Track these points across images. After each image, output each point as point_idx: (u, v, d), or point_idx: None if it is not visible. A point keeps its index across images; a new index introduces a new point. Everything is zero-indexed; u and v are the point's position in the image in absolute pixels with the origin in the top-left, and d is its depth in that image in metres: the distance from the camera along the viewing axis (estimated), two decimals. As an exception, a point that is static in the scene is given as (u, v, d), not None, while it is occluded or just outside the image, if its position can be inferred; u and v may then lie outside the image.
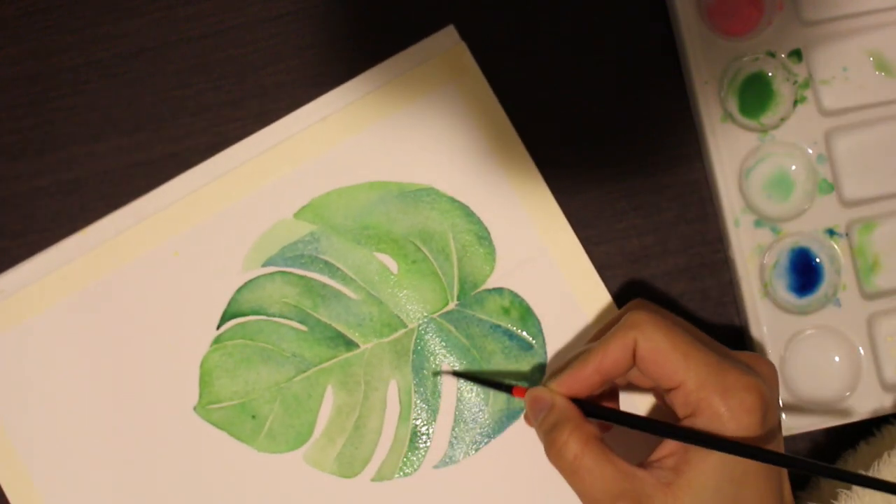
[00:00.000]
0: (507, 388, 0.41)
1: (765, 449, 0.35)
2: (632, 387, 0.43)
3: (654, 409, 0.45)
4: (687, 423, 0.36)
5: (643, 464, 0.37)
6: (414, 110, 0.45)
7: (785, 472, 0.38)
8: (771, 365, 0.39)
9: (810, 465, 0.36)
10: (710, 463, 0.35)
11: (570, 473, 0.36)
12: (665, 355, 0.36)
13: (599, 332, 0.41)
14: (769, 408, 0.36)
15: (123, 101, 0.45)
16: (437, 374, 0.45)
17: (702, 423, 0.36)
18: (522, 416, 0.41)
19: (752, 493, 0.36)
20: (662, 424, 0.37)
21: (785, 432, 0.44)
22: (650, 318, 0.37)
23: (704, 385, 0.36)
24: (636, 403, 0.45)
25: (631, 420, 0.38)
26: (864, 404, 0.44)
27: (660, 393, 0.41)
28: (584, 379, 0.38)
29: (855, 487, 0.40)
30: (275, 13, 0.46)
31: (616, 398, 0.41)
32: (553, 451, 0.37)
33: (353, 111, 0.45)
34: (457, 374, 0.44)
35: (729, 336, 0.46)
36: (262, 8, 0.46)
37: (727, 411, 0.35)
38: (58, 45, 0.45)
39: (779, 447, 0.38)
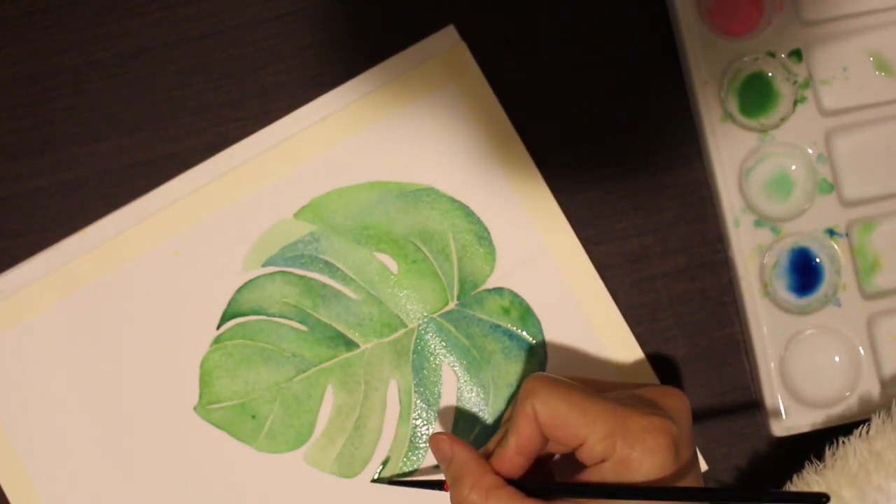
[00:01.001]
0: (440, 486, 0.40)
1: (671, 487, 0.35)
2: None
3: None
4: (596, 469, 0.36)
5: None
6: (414, 110, 0.45)
7: None
8: (680, 396, 0.39)
9: (714, 492, 0.36)
10: None
11: None
12: (564, 416, 0.36)
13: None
14: (679, 443, 0.36)
15: (123, 101, 0.45)
16: (374, 481, 0.44)
17: (610, 469, 0.36)
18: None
19: None
20: (579, 485, 0.37)
21: (785, 432, 0.44)
22: (543, 383, 0.37)
23: (606, 435, 0.36)
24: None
25: (556, 488, 0.38)
26: (864, 404, 0.44)
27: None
28: (510, 461, 0.37)
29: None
30: (275, 13, 0.46)
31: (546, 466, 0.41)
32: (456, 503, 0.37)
33: (353, 111, 0.45)
34: (389, 483, 0.44)
35: (729, 336, 0.46)
36: (262, 8, 0.46)
37: (633, 454, 0.35)
38: (58, 45, 0.45)
39: (693, 477, 0.37)
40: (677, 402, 0.38)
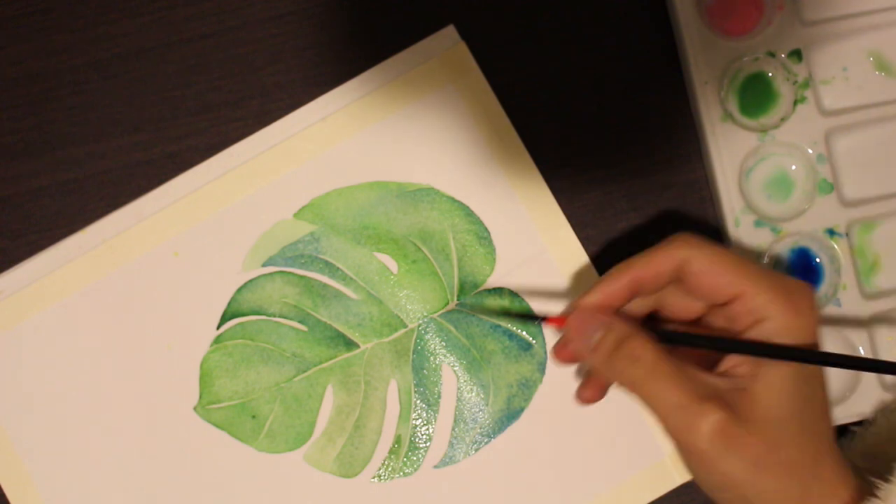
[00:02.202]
0: (540, 319, 0.39)
1: (835, 353, 0.36)
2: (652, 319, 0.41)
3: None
4: (754, 331, 0.36)
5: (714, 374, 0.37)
6: (414, 110, 0.45)
7: None
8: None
9: (873, 362, 0.37)
10: (784, 368, 0.35)
11: (649, 386, 0.35)
12: (723, 267, 0.36)
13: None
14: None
15: (123, 101, 0.45)
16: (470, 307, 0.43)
17: (771, 327, 0.36)
18: (552, 352, 0.39)
19: (821, 391, 0.36)
20: (732, 341, 0.36)
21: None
22: (695, 239, 0.37)
23: (768, 288, 0.36)
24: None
25: (695, 339, 0.37)
26: (864, 404, 0.44)
27: (701, 322, 0.40)
28: (617, 290, 0.37)
29: None
30: (275, 13, 0.46)
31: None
32: (626, 367, 0.36)
33: (353, 111, 0.45)
34: (481, 312, 0.42)
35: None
36: (262, 8, 0.46)
37: (793, 311, 0.35)
38: (58, 45, 0.45)
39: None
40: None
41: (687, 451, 0.36)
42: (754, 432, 0.34)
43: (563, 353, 0.39)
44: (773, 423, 0.35)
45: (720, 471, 0.34)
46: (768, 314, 0.36)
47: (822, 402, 0.36)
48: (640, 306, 0.40)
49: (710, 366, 0.37)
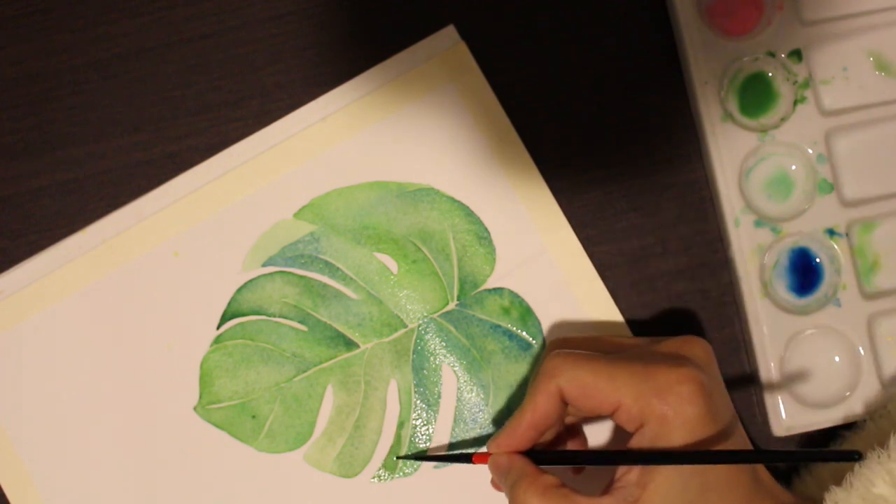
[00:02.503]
0: (468, 458, 0.41)
1: (716, 451, 0.35)
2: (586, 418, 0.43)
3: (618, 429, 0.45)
4: (637, 435, 0.37)
5: (608, 487, 0.37)
6: (414, 110, 0.45)
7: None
8: (702, 344, 0.39)
9: (763, 454, 0.37)
10: (672, 471, 0.35)
11: None
12: (592, 387, 0.37)
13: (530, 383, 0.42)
14: (711, 391, 0.36)
15: (123, 101, 0.45)
16: (398, 458, 0.45)
17: (650, 430, 0.36)
18: (490, 483, 0.42)
19: (721, 483, 0.36)
20: (612, 454, 0.37)
21: (785, 432, 0.44)
22: (565, 360, 0.38)
23: (639, 395, 0.36)
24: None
25: (581, 457, 0.39)
26: (864, 404, 0.44)
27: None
28: (521, 436, 0.38)
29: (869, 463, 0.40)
30: (275, 13, 0.46)
31: (580, 434, 0.42)
32: None
33: (353, 111, 0.45)
34: (415, 458, 0.44)
35: (729, 336, 0.46)
36: (262, 8, 0.46)
37: (669, 410, 0.36)
38: (58, 45, 0.45)
39: (738, 435, 0.38)
40: (700, 350, 0.39)
41: None
42: None
43: (495, 487, 0.42)
44: None
45: None
46: (645, 419, 0.36)
47: (724, 482, 0.36)
48: (551, 432, 0.41)
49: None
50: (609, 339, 0.41)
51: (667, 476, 0.35)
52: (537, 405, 0.38)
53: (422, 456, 0.44)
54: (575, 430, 0.42)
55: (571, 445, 0.42)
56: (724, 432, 0.36)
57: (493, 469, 0.40)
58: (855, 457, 0.33)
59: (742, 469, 0.36)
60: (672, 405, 0.36)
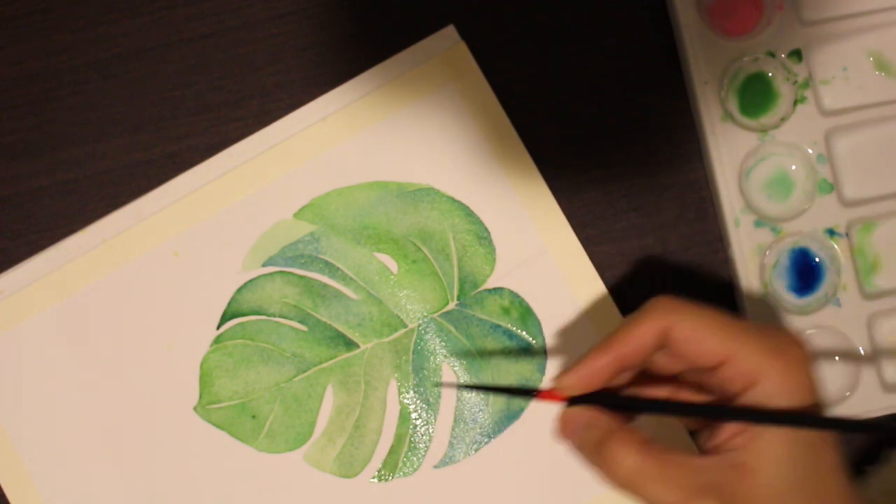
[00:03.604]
0: (530, 394, 0.37)
1: (834, 417, 0.34)
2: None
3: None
4: (746, 397, 0.34)
5: (707, 451, 0.35)
6: (414, 110, 0.45)
7: None
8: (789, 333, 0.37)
9: (875, 422, 0.35)
10: (781, 432, 0.33)
11: (637, 487, 0.33)
12: (708, 332, 0.34)
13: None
14: (813, 363, 0.35)
15: (123, 101, 0.45)
16: (438, 385, 0.44)
17: (763, 391, 0.33)
18: (556, 431, 0.37)
19: (829, 468, 0.34)
20: (723, 408, 0.34)
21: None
22: (675, 303, 0.35)
23: (757, 351, 0.34)
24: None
25: (681, 408, 0.36)
26: (864, 404, 0.44)
27: (691, 379, 0.38)
28: (600, 371, 0.35)
29: None
30: (275, 13, 0.46)
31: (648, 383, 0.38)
32: (609, 470, 0.34)
33: (353, 111, 0.45)
34: (473, 387, 0.43)
35: (729, 336, 0.46)
36: (262, 8, 0.46)
37: (786, 370, 0.33)
38: (58, 45, 0.45)
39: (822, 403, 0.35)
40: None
41: None
42: None
43: (563, 433, 0.37)
44: (775, 500, 0.32)
45: None
46: (759, 377, 0.34)
47: (830, 466, 0.33)
48: (624, 376, 0.38)
49: (706, 430, 0.36)
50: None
51: (779, 445, 0.33)
52: (632, 338, 0.35)
53: (479, 386, 0.42)
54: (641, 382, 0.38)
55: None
56: (823, 404, 0.34)
57: (566, 424, 0.36)
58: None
59: (843, 457, 0.34)
60: (790, 366, 0.33)
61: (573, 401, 0.36)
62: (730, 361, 0.34)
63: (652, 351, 0.35)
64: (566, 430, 0.36)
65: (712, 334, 0.34)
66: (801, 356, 0.34)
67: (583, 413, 0.36)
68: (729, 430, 0.34)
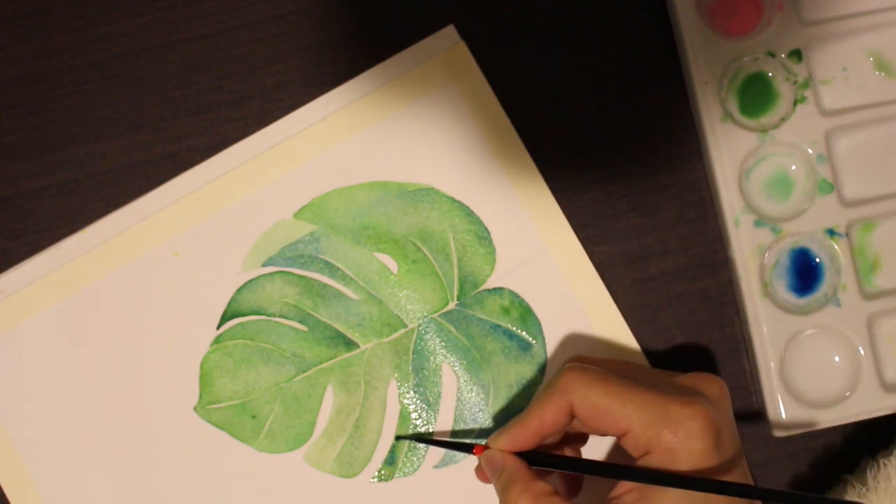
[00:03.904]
0: (469, 448, 0.41)
1: (719, 480, 0.35)
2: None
3: (614, 445, 0.45)
4: (642, 462, 0.37)
5: (604, 503, 0.37)
6: (414, 110, 0.45)
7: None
8: (719, 382, 0.39)
9: (766, 492, 0.36)
10: (671, 496, 0.36)
11: None
12: (603, 409, 0.37)
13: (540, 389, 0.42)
14: (721, 429, 0.36)
15: (123, 101, 0.45)
16: (398, 438, 0.45)
17: (656, 459, 0.36)
18: (474, 472, 0.42)
19: None
20: (613, 467, 0.37)
21: (784, 432, 0.44)
22: (580, 377, 0.38)
23: (650, 425, 0.36)
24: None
25: (581, 465, 0.39)
26: (864, 404, 0.44)
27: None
28: (524, 439, 0.39)
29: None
30: (275, 13, 0.46)
31: (583, 440, 0.42)
32: None
33: (353, 111, 0.45)
34: (416, 439, 0.44)
35: (729, 336, 0.46)
36: (262, 8, 0.46)
37: (677, 443, 0.36)
38: (58, 45, 0.45)
39: (741, 469, 0.38)
40: (716, 389, 0.39)
41: None
42: None
43: (480, 478, 0.42)
44: None
45: None
46: (651, 449, 0.36)
47: None
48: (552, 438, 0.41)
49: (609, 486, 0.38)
50: (626, 364, 0.42)
51: (665, 501, 0.35)
52: (545, 415, 0.38)
53: (422, 438, 0.44)
54: (573, 438, 0.42)
55: (568, 453, 0.42)
56: (728, 466, 0.36)
57: (486, 463, 0.40)
58: None
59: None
60: (680, 439, 0.36)
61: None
62: (627, 434, 0.37)
63: (564, 424, 0.39)
64: (487, 468, 0.39)
65: (608, 411, 0.37)
66: (697, 428, 0.36)
67: (499, 457, 0.39)
68: (625, 487, 0.37)
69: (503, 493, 0.38)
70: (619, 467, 0.37)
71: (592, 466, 0.38)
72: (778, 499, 0.36)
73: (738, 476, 0.37)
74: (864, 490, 0.41)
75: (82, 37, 0.45)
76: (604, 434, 0.38)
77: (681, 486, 0.35)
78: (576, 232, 0.45)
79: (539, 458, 0.39)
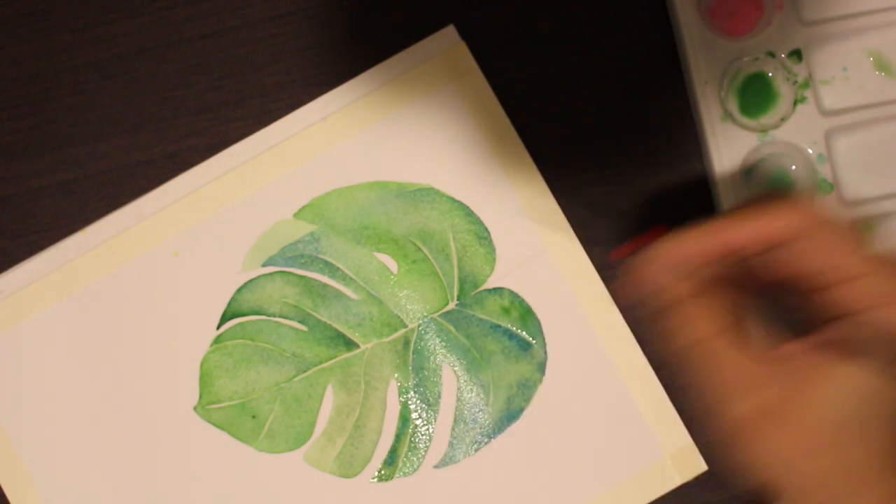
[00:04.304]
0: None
1: None
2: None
3: None
4: (857, 317, 0.31)
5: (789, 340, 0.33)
6: (414, 110, 0.45)
7: None
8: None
9: None
10: (856, 366, 0.31)
11: (704, 359, 0.32)
12: (839, 254, 0.31)
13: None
14: None
15: (123, 101, 0.45)
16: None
17: (886, 315, 0.30)
18: (612, 252, 0.36)
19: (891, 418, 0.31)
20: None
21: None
22: (815, 211, 0.32)
23: (887, 279, 0.31)
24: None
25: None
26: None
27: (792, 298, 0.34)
28: (707, 249, 0.33)
29: None
30: (275, 13, 0.46)
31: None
32: (680, 333, 0.33)
33: (353, 111, 0.45)
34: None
35: (729, 336, 0.46)
36: (262, 8, 0.46)
37: None
38: (58, 45, 0.45)
39: None
40: None
41: (721, 430, 0.32)
42: (802, 427, 0.31)
43: (627, 286, 0.35)
44: (828, 426, 0.31)
45: (752, 453, 0.31)
46: (886, 302, 0.31)
47: (891, 416, 0.31)
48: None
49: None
50: None
51: (853, 377, 0.31)
52: (758, 227, 0.32)
53: None
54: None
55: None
56: None
57: (656, 272, 0.33)
58: None
59: None
60: None
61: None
62: (855, 281, 0.31)
63: (771, 247, 0.32)
64: (662, 269, 0.33)
65: (841, 257, 0.31)
66: None
67: (679, 263, 0.33)
68: (799, 345, 0.32)
69: (671, 310, 0.32)
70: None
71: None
72: None
73: None
74: None
75: (82, 37, 0.45)
76: (805, 280, 0.32)
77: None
78: (576, 232, 0.45)
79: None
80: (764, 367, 0.32)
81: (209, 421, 0.44)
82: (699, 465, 0.44)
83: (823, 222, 0.32)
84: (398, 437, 0.45)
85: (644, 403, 0.45)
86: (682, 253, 0.33)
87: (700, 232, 0.33)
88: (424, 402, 0.45)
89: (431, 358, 0.45)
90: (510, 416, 0.45)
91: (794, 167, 0.45)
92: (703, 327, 0.32)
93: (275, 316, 0.45)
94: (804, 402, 0.31)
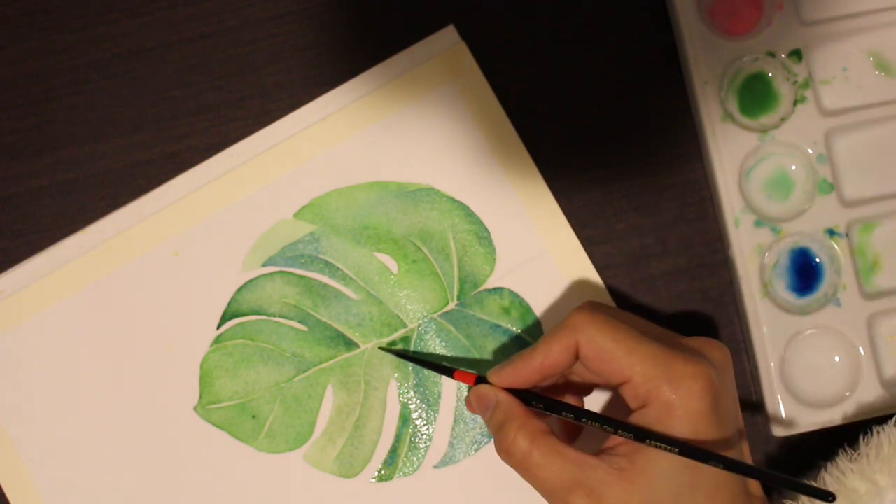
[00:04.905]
0: (449, 372, 0.41)
1: (706, 451, 0.35)
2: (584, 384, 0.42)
3: (612, 399, 0.45)
4: (638, 414, 0.36)
5: (598, 451, 0.37)
6: (414, 110, 0.45)
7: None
8: (722, 348, 0.39)
9: (754, 470, 0.36)
10: (662, 456, 0.35)
11: (522, 470, 0.37)
12: (609, 354, 0.37)
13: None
14: (720, 393, 0.36)
15: (123, 101, 0.45)
16: (381, 348, 0.45)
17: (653, 412, 0.36)
18: (464, 401, 0.42)
19: (710, 486, 0.36)
20: (609, 419, 0.37)
21: (785, 432, 0.44)
22: (591, 319, 0.37)
23: (651, 377, 0.36)
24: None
25: (576, 412, 0.38)
26: (864, 404, 0.44)
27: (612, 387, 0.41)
28: (525, 375, 0.38)
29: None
30: (275, 13, 0.46)
31: (586, 392, 0.42)
32: (502, 450, 0.37)
33: (353, 111, 0.45)
34: (397, 354, 0.44)
35: (729, 336, 0.46)
36: (262, 8, 0.46)
37: (676, 399, 0.36)
38: (58, 45, 0.45)
39: (739, 443, 0.38)
40: (720, 355, 0.38)
41: None
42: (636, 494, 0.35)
43: (469, 408, 0.41)
44: (654, 496, 0.35)
45: None
46: (650, 401, 0.36)
47: (710, 487, 0.36)
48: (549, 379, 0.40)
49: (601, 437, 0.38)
50: (636, 318, 0.41)
51: (658, 460, 0.35)
52: (550, 353, 0.38)
53: (401, 353, 0.44)
54: (576, 389, 0.42)
55: (567, 400, 0.41)
56: (726, 439, 0.36)
57: (478, 398, 0.39)
58: (829, 498, 0.34)
59: (735, 479, 0.36)
60: (680, 395, 0.36)
61: (479, 380, 0.40)
62: (628, 384, 0.37)
63: (567, 365, 0.38)
64: (478, 403, 0.39)
65: (614, 357, 0.37)
66: (698, 388, 0.36)
67: (492, 393, 0.39)
68: (619, 439, 0.37)
69: (498, 429, 0.38)
70: (615, 421, 0.36)
71: (588, 415, 0.37)
72: (757, 477, 0.36)
73: (735, 453, 0.37)
74: (855, 455, 0.41)
75: (82, 37, 0.45)
76: (605, 380, 0.38)
77: (674, 450, 0.35)
78: (576, 232, 0.45)
79: (534, 399, 0.38)
80: (578, 463, 0.36)
81: (209, 421, 0.44)
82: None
83: (596, 331, 0.37)
84: (398, 437, 0.45)
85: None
86: (511, 381, 0.39)
87: (519, 362, 0.38)
88: (424, 402, 0.45)
89: (431, 358, 0.45)
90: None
91: (794, 167, 0.45)
92: (519, 447, 0.37)
93: (275, 316, 0.45)
94: (622, 495, 0.35)
